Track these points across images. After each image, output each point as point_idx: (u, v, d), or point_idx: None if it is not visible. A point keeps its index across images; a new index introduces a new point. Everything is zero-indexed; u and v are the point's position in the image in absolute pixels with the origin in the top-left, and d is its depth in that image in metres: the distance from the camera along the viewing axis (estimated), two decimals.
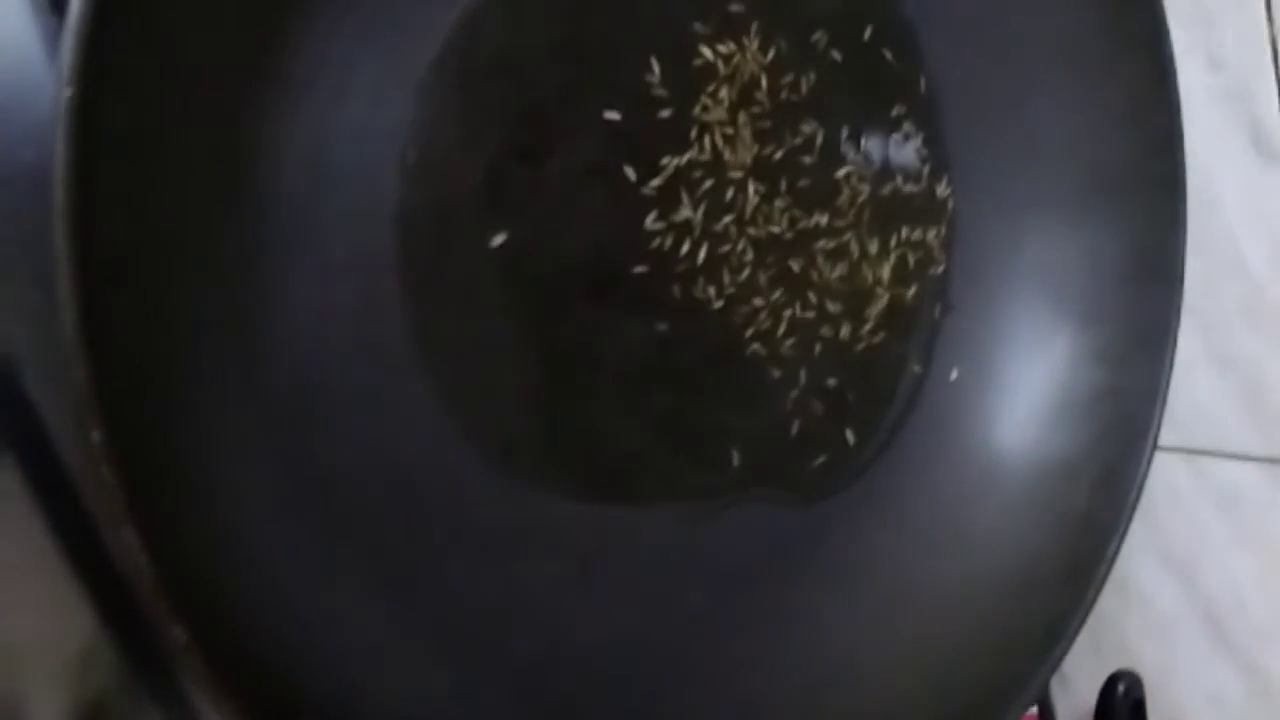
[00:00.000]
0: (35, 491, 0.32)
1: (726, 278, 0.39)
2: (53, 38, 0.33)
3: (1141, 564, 0.55)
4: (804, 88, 0.40)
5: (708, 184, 0.39)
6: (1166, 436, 0.51)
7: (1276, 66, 0.47)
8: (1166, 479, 0.53)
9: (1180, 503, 0.53)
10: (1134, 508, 0.42)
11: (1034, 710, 0.56)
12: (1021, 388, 0.44)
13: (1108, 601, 0.54)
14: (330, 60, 0.33)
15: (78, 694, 0.33)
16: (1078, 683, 0.58)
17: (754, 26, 0.39)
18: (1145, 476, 0.42)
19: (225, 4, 0.31)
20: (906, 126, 0.43)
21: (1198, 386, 0.51)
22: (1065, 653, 0.40)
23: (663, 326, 0.38)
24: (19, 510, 0.32)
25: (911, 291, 0.43)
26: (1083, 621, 0.40)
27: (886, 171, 0.43)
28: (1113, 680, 0.53)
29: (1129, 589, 0.56)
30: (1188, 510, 0.53)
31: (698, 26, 0.38)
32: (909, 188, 0.43)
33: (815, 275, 0.41)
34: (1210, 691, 0.53)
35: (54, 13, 0.33)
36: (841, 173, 0.41)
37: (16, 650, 0.33)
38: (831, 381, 0.42)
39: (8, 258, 0.31)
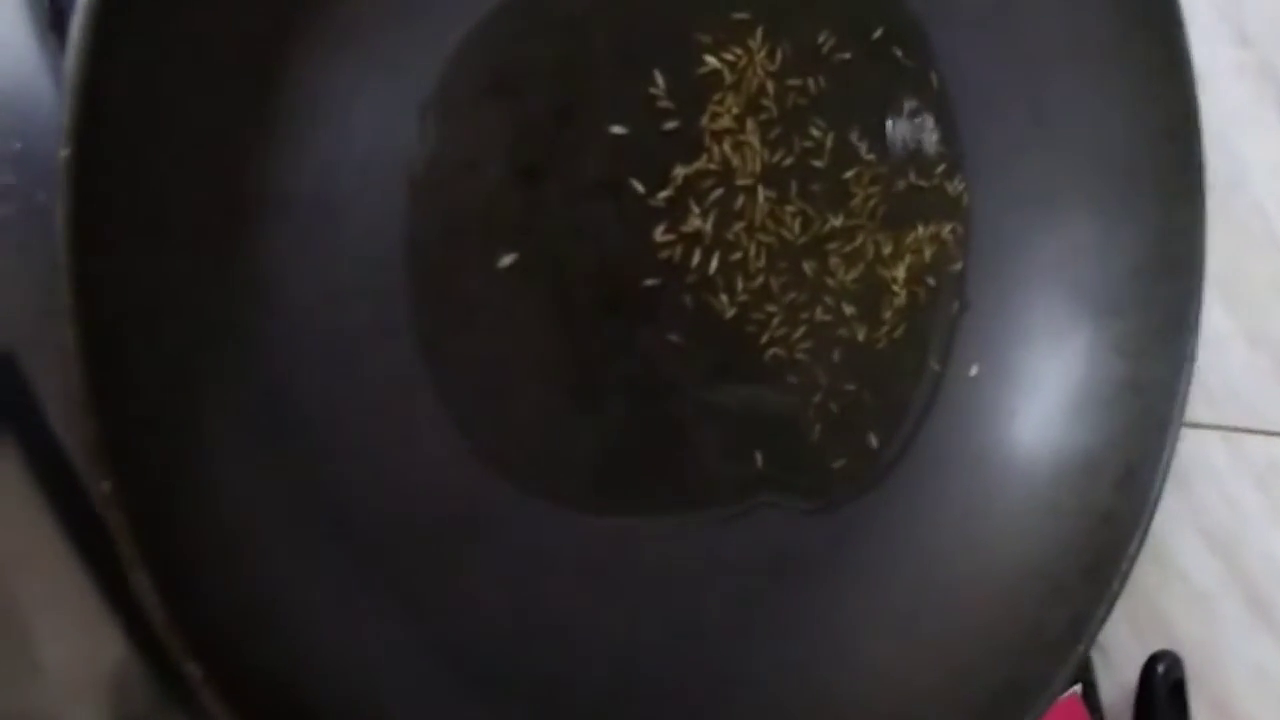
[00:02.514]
0: (59, 516, 0.33)
1: (740, 285, 0.39)
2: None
3: (1181, 541, 0.55)
4: (812, 91, 0.40)
5: (717, 193, 0.39)
6: (1203, 414, 0.51)
7: None
8: (1203, 456, 0.53)
9: (1218, 480, 0.53)
10: (1156, 503, 0.42)
11: (1078, 689, 0.56)
12: (1041, 383, 0.44)
13: (1148, 579, 0.55)
14: (333, 92, 0.33)
15: (113, 713, 0.34)
16: (1120, 661, 0.58)
17: (759, 32, 0.39)
18: (1167, 472, 0.42)
19: (224, 46, 0.31)
20: (919, 123, 0.42)
21: (1231, 363, 0.51)
22: (1089, 648, 0.40)
23: (675, 337, 0.39)
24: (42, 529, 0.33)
25: (928, 289, 0.43)
26: (1106, 617, 0.40)
27: (899, 169, 0.42)
28: (1152, 661, 0.54)
29: (1169, 567, 0.56)
30: (1225, 487, 0.53)
31: (701, 36, 0.38)
32: (923, 183, 0.43)
33: (830, 278, 0.41)
34: (1253, 667, 0.53)
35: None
36: (853, 173, 0.41)
37: (51, 672, 0.33)
38: (851, 384, 0.42)
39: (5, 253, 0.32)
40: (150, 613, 0.27)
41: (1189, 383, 0.43)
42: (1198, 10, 0.48)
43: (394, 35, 0.34)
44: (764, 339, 0.40)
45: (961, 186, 0.43)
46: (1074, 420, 0.43)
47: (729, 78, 0.39)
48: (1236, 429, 0.52)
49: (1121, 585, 0.41)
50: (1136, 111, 0.43)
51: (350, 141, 0.34)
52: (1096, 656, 0.60)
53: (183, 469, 0.30)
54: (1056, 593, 0.41)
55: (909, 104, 0.42)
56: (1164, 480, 0.42)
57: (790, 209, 0.40)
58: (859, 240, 0.42)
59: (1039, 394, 0.44)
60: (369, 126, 0.34)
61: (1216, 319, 0.51)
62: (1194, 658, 0.54)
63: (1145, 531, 0.41)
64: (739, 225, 0.39)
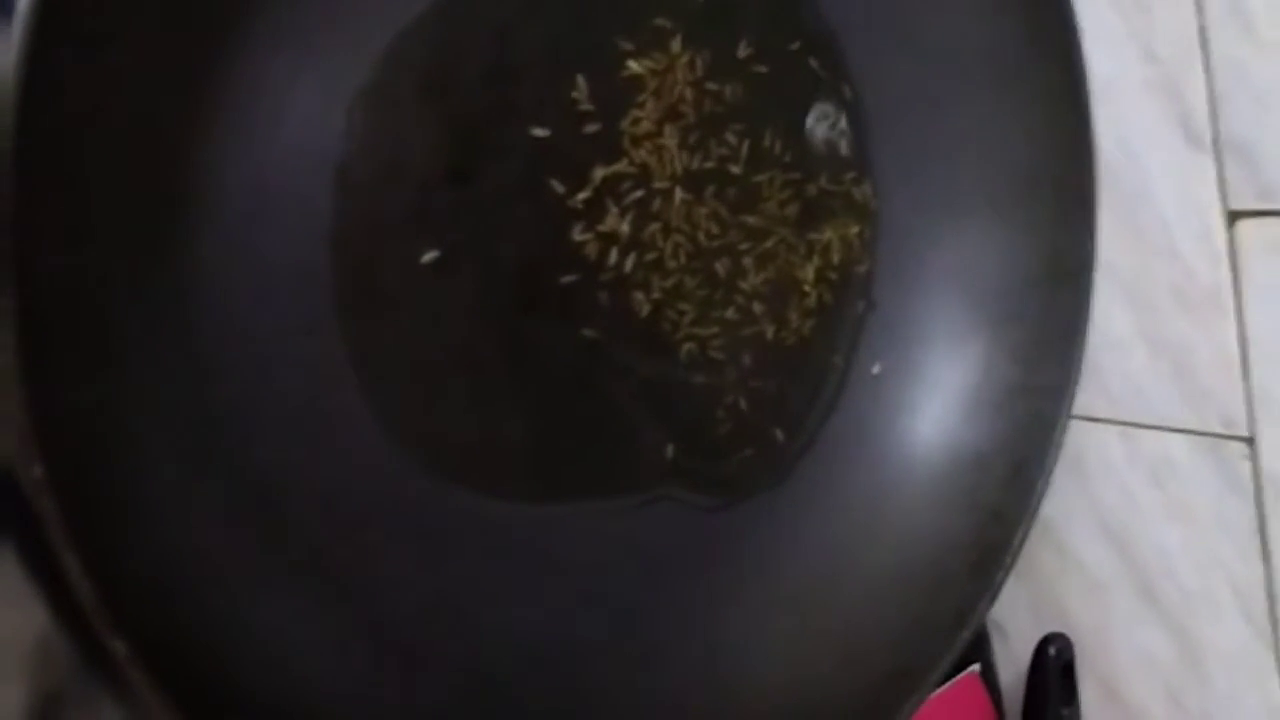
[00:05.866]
0: None
1: (655, 283, 0.41)
2: None
3: (1078, 531, 0.57)
4: (729, 98, 0.42)
5: (635, 195, 0.40)
6: (1101, 409, 0.53)
7: (1205, 58, 0.47)
8: (1101, 450, 0.55)
9: (1114, 473, 0.55)
10: (1040, 502, 0.43)
11: (977, 668, 0.58)
12: (939, 383, 0.45)
13: (1047, 566, 0.57)
14: (266, 88, 0.34)
15: (34, 686, 0.35)
16: (1017, 643, 0.60)
17: (678, 40, 0.41)
18: (1052, 472, 0.44)
19: (160, 43, 0.32)
20: (832, 130, 0.44)
21: (1132, 364, 0.53)
22: (971, 636, 0.42)
23: (590, 333, 0.40)
24: None
25: (836, 290, 0.45)
26: (989, 608, 0.42)
27: (811, 174, 0.44)
28: (1045, 643, 0.56)
29: (1067, 555, 0.57)
30: (1121, 480, 0.55)
31: (623, 43, 0.40)
32: (833, 188, 0.44)
33: (741, 278, 0.42)
34: (1141, 653, 0.55)
35: None
36: (766, 178, 0.43)
37: None
38: (759, 380, 0.43)
39: None
40: (80, 595, 0.28)
41: (1076, 388, 0.45)
42: (1110, 27, 0.49)
43: (325, 35, 0.35)
44: (678, 336, 0.42)
45: (870, 192, 0.45)
46: (968, 420, 0.45)
47: (650, 83, 0.40)
48: (1133, 424, 0.54)
49: (1005, 578, 0.43)
50: (1037, 131, 0.44)
51: (278, 137, 0.35)
52: (995, 638, 0.61)
53: (112, 455, 0.30)
54: (945, 585, 0.43)
55: (822, 112, 0.44)
56: (1049, 480, 0.44)
57: (705, 211, 0.42)
58: (770, 242, 0.43)
59: (937, 394, 0.45)
60: (297, 123, 0.35)
61: (1118, 322, 0.52)
62: (1086, 642, 0.56)
63: (1029, 528, 0.43)
64: (655, 226, 0.41)
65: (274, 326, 0.35)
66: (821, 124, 0.44)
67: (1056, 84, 0.44)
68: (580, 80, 0.39)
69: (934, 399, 0.46)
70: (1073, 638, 0.56)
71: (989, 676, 0.61)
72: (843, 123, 0.44)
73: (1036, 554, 0.58)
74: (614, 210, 0.40)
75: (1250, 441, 0.49)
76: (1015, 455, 0.44)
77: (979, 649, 0.60)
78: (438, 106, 0.37)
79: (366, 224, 0.36)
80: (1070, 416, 0.44)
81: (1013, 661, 0.61)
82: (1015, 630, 0.60)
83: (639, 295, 0.41)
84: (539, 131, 0.38)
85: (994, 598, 0.42)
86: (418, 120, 0.37)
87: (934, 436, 0.45)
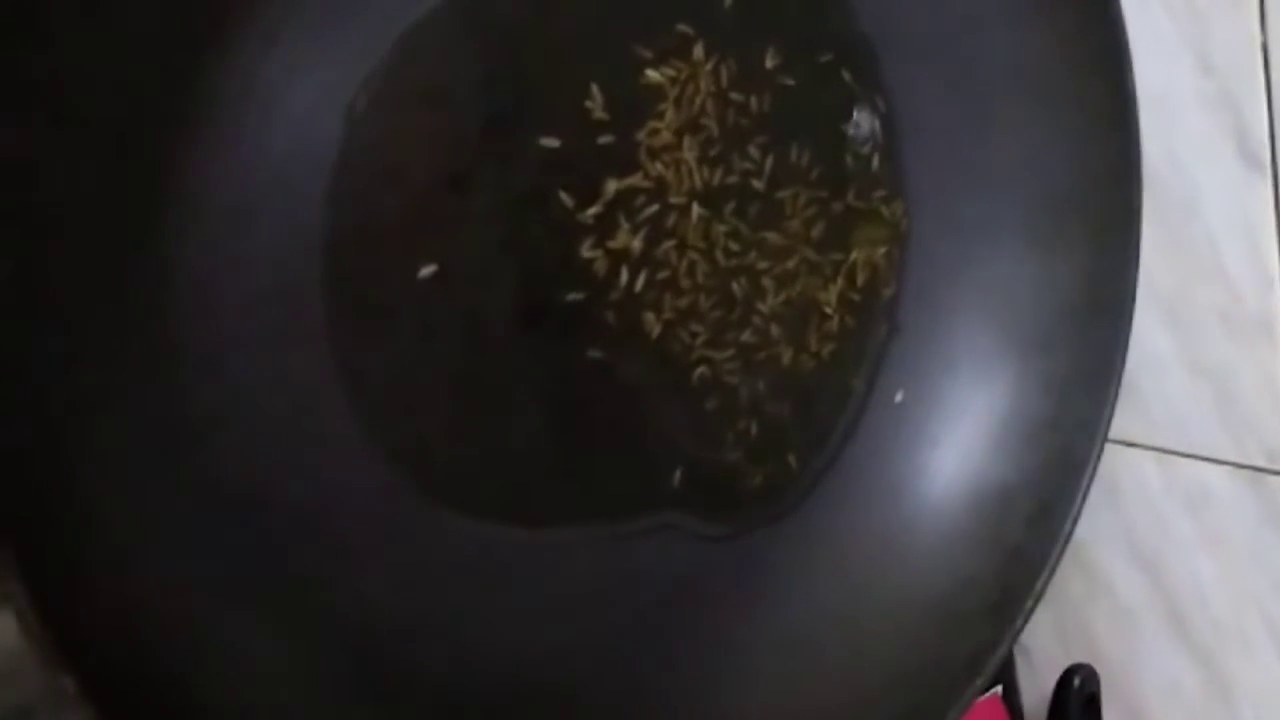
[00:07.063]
0: None
1: (667, 303, 0.39)
2: None
3: (1109, 556, 0.56)
4: (754, 109, 0.40)
5: (650, 210, 0.38)
6: (1139, 434, 0.52)
7: (1267, 74, 0.45)
8: (1137, 476, 0.54)
9: (1149, 500, 0.54)
10: (1067, 542, 0.42)
11: (999, 689, 0.57)
12: (964, 414, 0.44)
13: (1075, 589, 0.56)
14: (257, 87, 0.33)
15: (2, 700, 0.34)
16: (1042, 665, 0.59)
17: (702, 49, 0.39)
18: (1080, 512, 0.42)
19: (149, 29, 0.31)
20: (862, 145, 0.42)
21: (1172, 388, 0.52)
22: (986, 683, 0.40)
23: (595, 353, 0.38)
24: None
25: (859, 312, 0.43)
26: (1006, 653, 0.41)
27: (838, 191, 0.42)
28: (1069, 674, 0.54)
29: (1096, 580, 0.56)
30: (1156, 507, 0.54)
31: (642, 50, 0.38)
32: (861, 205, 0.42)
33: (759, 299, 0.41)
34: (1168, 683, 0.55)
35: None
36: (790, 194, 0.41)
37: None
38: (774, 406, 0.42)
39: None
40: (26, 628, 0.27)
41: (1109, 425, 0.43)
42: (1162, 36, 0.47)
43: (323, 32, 0.34)
44: (690, 358, 0.40)
45: (900, 210, 0.43)
46: (993, 454, 0.43)
47: (670, 93, 0.38)
48: (1171, 452, 0.52)
49: (1024, 623, 0.41)
50: (1080, 152, 0.42)
51: (270, 139, 0.33)
52: (1020, 659, 0.60)
53: (75, 479, 0.29)
54: (961, 627, 0.41)
55: (853, 126, 0.42)
56: (1076, 520, 0.42)
57: (724, 228, 0.40)
58: (792, 262, 0.41)
59: (961, 425, 0.44)
60: (291, 126, 0.33)
61: (1160, 343, 0.51)
62: (1113, 669, 0.55)
63: (1054, 570, 0.41)
64: (670, 243, 0.39)
65: (258, 339, 0.33)
66: (852, 138, 0.42)
67: (1103, 105, 0.41)
68: (594, 89, 0.37)
69: (958, 430, 0.44)
70: (1098, 663, 0.55)
71: (1012, 699, 0.60)
72: (875, 137, 0.42)
73: (1065, 576, 0.57)
74: (626, 226, 0.38)
75: None
76: (1042, 493, 0.42)
77: (1002, 670, 0.59)
78: (441, 111, 0.35)
79: (361, 233, 0.34)
80: (1101, 454, 0.42)
81: (1037, 684, 0.60)
82: (1040, 652, 0.60)
83: (649, 315, 0.39)
84: (549, 141, 0.37)
85: (1012, 642, 0.41)
86: (419, 126, 0.35)
87: (956, 469, 0.43)
